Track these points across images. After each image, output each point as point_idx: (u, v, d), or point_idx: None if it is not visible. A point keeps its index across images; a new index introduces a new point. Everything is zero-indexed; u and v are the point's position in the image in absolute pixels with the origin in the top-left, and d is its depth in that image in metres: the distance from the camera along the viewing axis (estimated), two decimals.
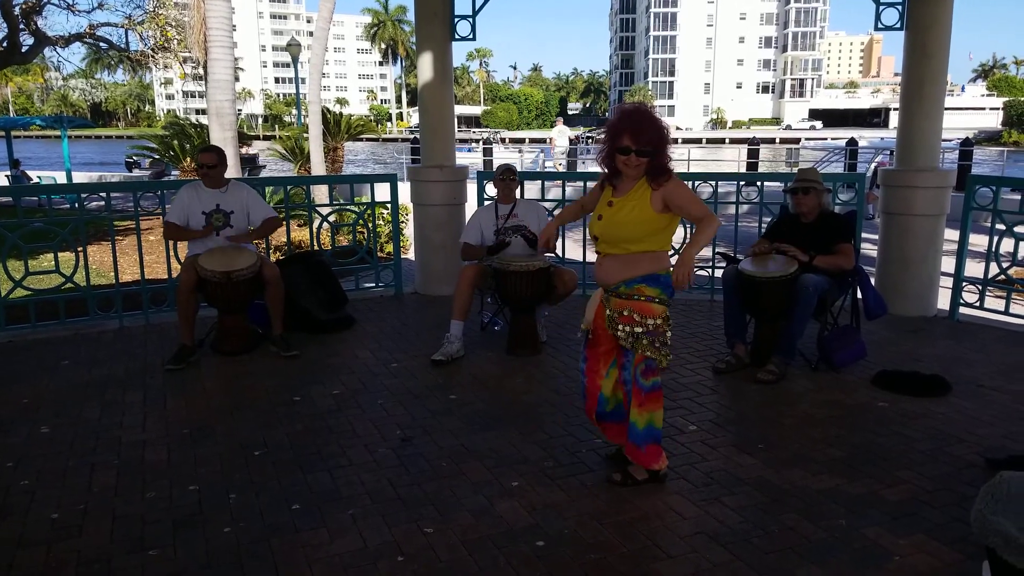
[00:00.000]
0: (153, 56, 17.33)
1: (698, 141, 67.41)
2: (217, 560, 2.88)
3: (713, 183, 7.12)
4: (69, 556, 2.91)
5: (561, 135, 24.26)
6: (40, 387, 4.81)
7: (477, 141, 37.71)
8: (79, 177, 21.96)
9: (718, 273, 6.70)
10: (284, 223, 6.25)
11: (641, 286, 3.27)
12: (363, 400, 4.55)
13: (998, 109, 76.11)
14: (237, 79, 15.02)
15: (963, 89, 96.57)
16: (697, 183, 8.01)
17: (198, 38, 12.04)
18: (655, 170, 3.21)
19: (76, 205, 6.36)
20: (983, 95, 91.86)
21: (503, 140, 41.54)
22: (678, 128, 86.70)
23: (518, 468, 3.62)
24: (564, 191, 7.24)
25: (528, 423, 4.17)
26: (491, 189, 6.07)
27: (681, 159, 32.01)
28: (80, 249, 6.14)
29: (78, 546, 2.98)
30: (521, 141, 55.12)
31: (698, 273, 7.07)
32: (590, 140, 34.70)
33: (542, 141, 26.66)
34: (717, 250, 6.78)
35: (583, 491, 3.39)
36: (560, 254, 6.74)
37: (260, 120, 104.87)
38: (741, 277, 4.98)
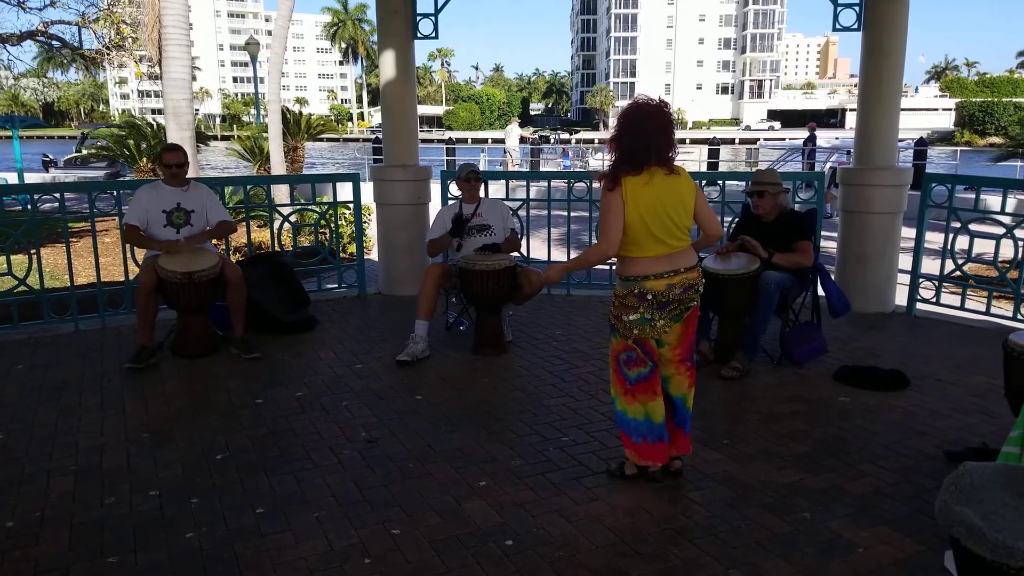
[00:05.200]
0: (108, 54, 16.96)
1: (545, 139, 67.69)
2: (180, 566, 2.82)
3: None
4: (25, 565, 2.83)
5: (509, 135, 24.40)
6: None
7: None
8: (31, 178, 21.43)
9: None
10: (237, 229, 6.16)
11: None
12: (327, 402, 4.49)
13: (951, 110, 77.64)
14: (194, 78, 14.78)
15: (916, 90, 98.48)
16: None
17: (151, 35, 11.80)
18: None
19: (28, 206, 6.20)
20: (936, 96, 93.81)
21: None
22: None
23: (485, 467, 3.61)
24: (528, 191, 7.22)
25: (495, 422, 4.16)
26: (455, 188, 6.04)
27: None
28: (33, 251, 5.99)
29: (35, 555, 2.90)
30: (484, 141, 55.14)
31: None
32: (545, 140, 34.85)
33: (503, 141, 26.85)
34: None
35: (551, 489, 3.39)
36: (525, 253, 6.73)
37: (218, 120, 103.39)
38: (704, 274, 5.00)
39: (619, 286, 3.33)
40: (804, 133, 23.05)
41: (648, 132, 3.18)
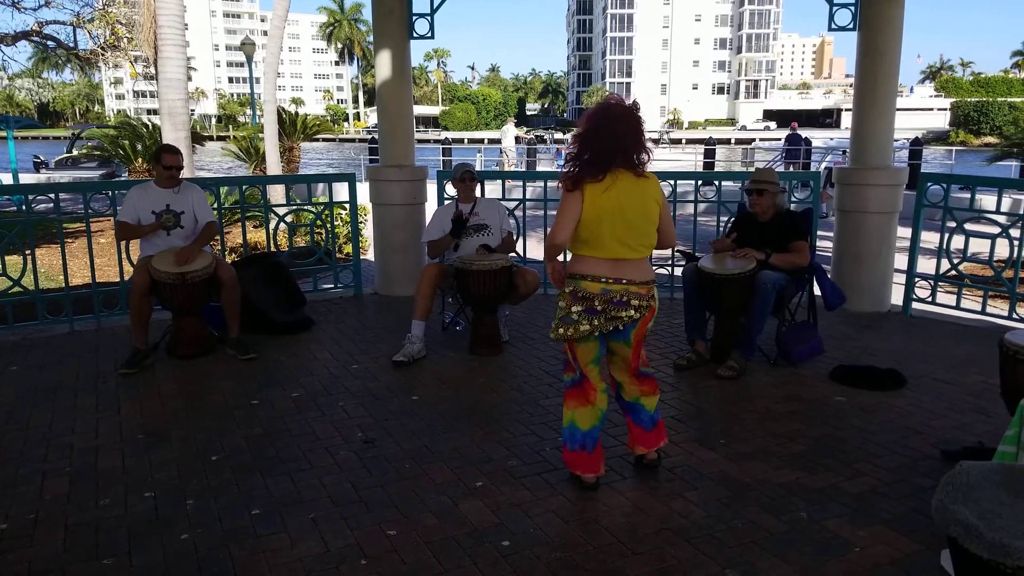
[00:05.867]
0: (103, 55, 16.92)
1: (655, 142, 68.02)
2: (175, 568, 2.81)
3: (672, 182, 7.16)
4: (19, 567, 2.81)
5: (505, 135, 24.43)
6: None
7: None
8: (26, 178, 21.38)
9: (678, 271, 6.75)
10: (228, 228, 6.13)
11: None
12: (323, 402, 4.49)
13: (946, 110, 77.76)
14: (190, 79, 14.73)
15: (912, 90, 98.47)
16: None
17: (148, 36, 11.77)
18: None
19: (23, 207, 6.18)
20: (931, 96, 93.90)
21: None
22: None
23: (482, 468, 3.60)
24: (524, 191, 7.22)
25: (491, 423, 4.15)
26: (451, 188, 6.04)
27: None
28: (28, 252, 5.97)
29: (29, 556, 2.88)
30: (480, 141, 55.19)
31: (658, 271, 7.11)
32: (540, 140, 34.88)
33: (499, 141, 26.86)
34: (677, 248, 6.83)
35: (548, 489, 3.38)
36: (522, 253, 6.73)
37: (214, 120, 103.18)
38: (701, 275, 5.02)
39: (565, 283, 3.28)
40: (799, 132, 23.04)
41: (616, 134, 3.08)
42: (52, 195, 6.26)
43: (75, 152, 24.49)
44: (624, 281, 3.16)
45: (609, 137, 3.08)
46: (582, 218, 3.12)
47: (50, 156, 25.60)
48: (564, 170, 3.22)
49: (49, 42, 17.02)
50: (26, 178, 21.18)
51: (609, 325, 3.19)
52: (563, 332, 3.22)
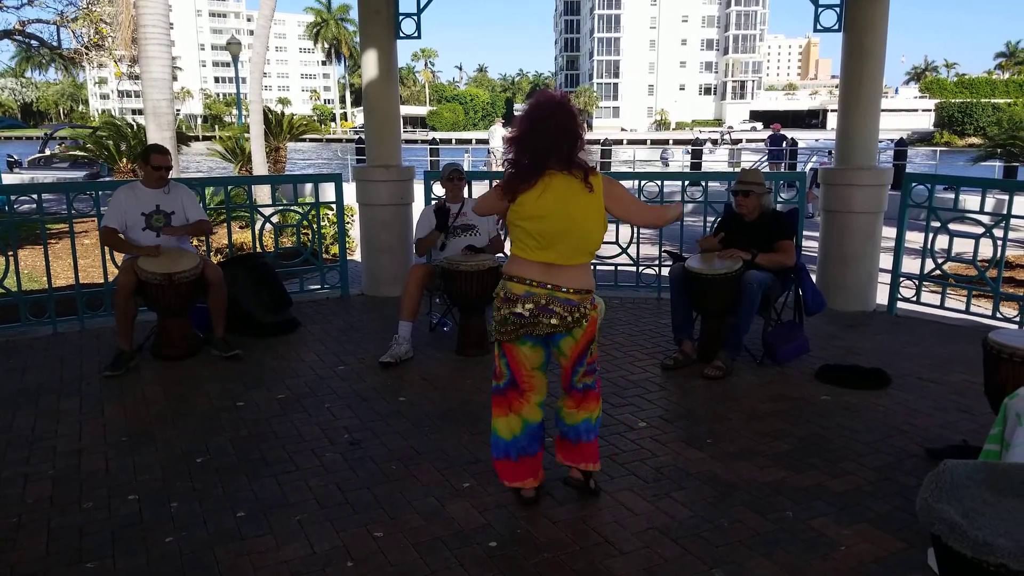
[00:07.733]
0: (87, 54, 16.80)
1: (643, 142, 68.14)
2: (159, 571, 2.79)
3: (659, 182, 7.18)
4: (2, 571, 2.79)
5: (493, 136, 24.46)
6: None
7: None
8: (9, 179, 21.17)
9: (665, 271, 6.76)
10: (214, 229, 6.11)
11: None
12: (309, 404, 4.46)
13: (930, 111, 78.32)
14: (175, 78, 14.64)
15: (897, 91, 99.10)
16: (644, 182, 8.07)
17: (125, 35, 11.69)
18: None
19: (6, 207, 6.12)
20: (916, 97, 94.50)
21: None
22: (623, 129, 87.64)
23: (469, 469, 3.60)
24: None
25: (478, 423, 4.14)
26: (439, 188, 6.03)
27: (627, 159, 32.44)
28: (10, 253, 5.91)
29: (11, 560, 2.86)
30: (468, 141, 55.12)
31: (645, 271, 7.13)
32: None
33: (487, 141, 26.85)
34: (664, 248, 6.85)
35: None
36: (508, 254, 6.72)
37: (200, 120, 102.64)
38: (688, 275, 5.03)
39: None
40: (785, 134, 23.10)
41: (550, 130, 2.91)
42: (35, 195, 6.20)
43: (48, 152, 24.30)
44: (550, 286, 2.97)
45: (543, 135, 2.91)
46: (512, 220, 3.00)
47: (23, 156, 25.36)
48: (504, 176, 3.05)
49: (32, 41, 16.89)
50: (6, 179, 20.98)
51: (531, 329, 3.01)
52: (498, 334, 3.10)
